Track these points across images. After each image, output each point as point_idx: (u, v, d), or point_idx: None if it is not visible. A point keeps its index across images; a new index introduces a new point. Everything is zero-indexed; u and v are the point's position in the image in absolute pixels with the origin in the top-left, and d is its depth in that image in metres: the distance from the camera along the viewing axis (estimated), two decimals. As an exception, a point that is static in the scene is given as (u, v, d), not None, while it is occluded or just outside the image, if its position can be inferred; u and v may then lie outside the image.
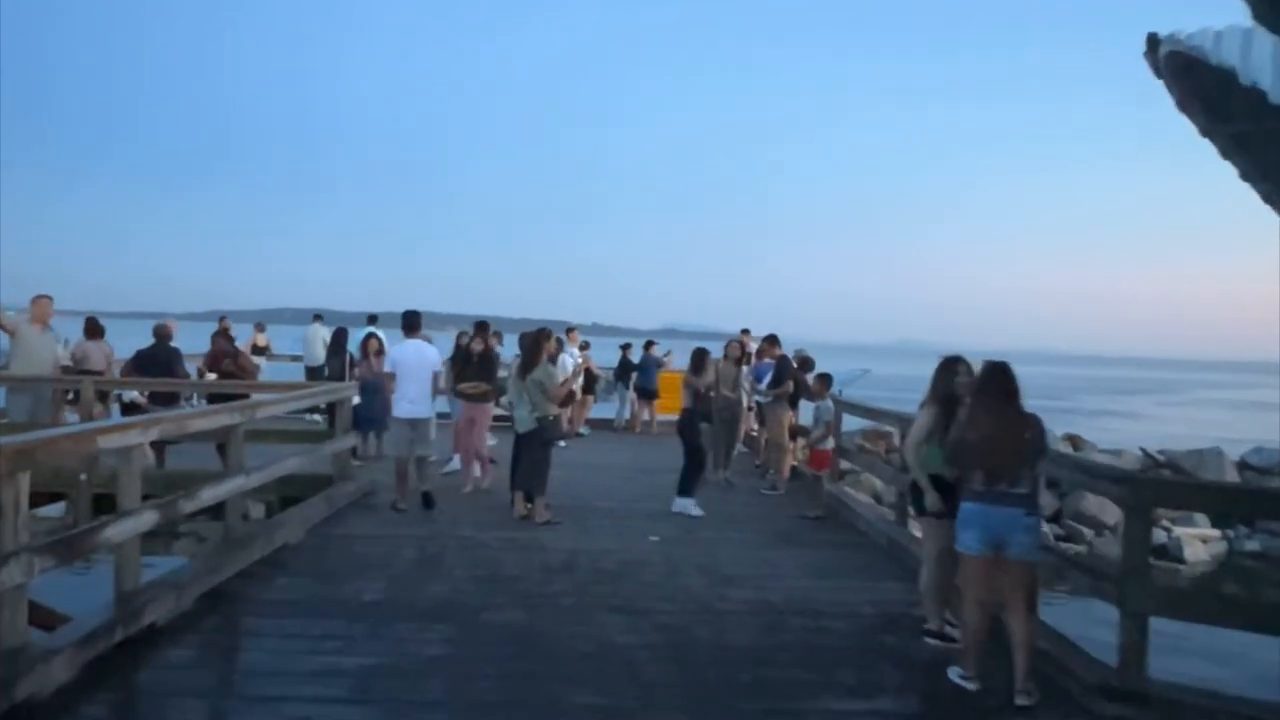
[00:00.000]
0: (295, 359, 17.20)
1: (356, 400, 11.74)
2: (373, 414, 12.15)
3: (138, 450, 5.66)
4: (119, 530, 5.28)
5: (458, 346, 11.66)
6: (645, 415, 17.09)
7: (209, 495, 6.41)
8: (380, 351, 12.37)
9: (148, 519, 5.53)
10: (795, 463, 11.20)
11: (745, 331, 17.60)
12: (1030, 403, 5.02)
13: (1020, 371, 5.05)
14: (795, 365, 11.40)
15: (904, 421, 8.85)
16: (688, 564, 7.36)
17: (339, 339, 12.50)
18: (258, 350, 17.36)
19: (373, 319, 16.75)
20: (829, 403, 9.51)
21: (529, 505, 8.86)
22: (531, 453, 8.92)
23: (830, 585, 6.92)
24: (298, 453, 8.56)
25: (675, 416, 18.19)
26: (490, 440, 12.29)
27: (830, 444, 9.67)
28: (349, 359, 11.99)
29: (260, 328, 17.85)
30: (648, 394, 16.95)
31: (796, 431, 11.33)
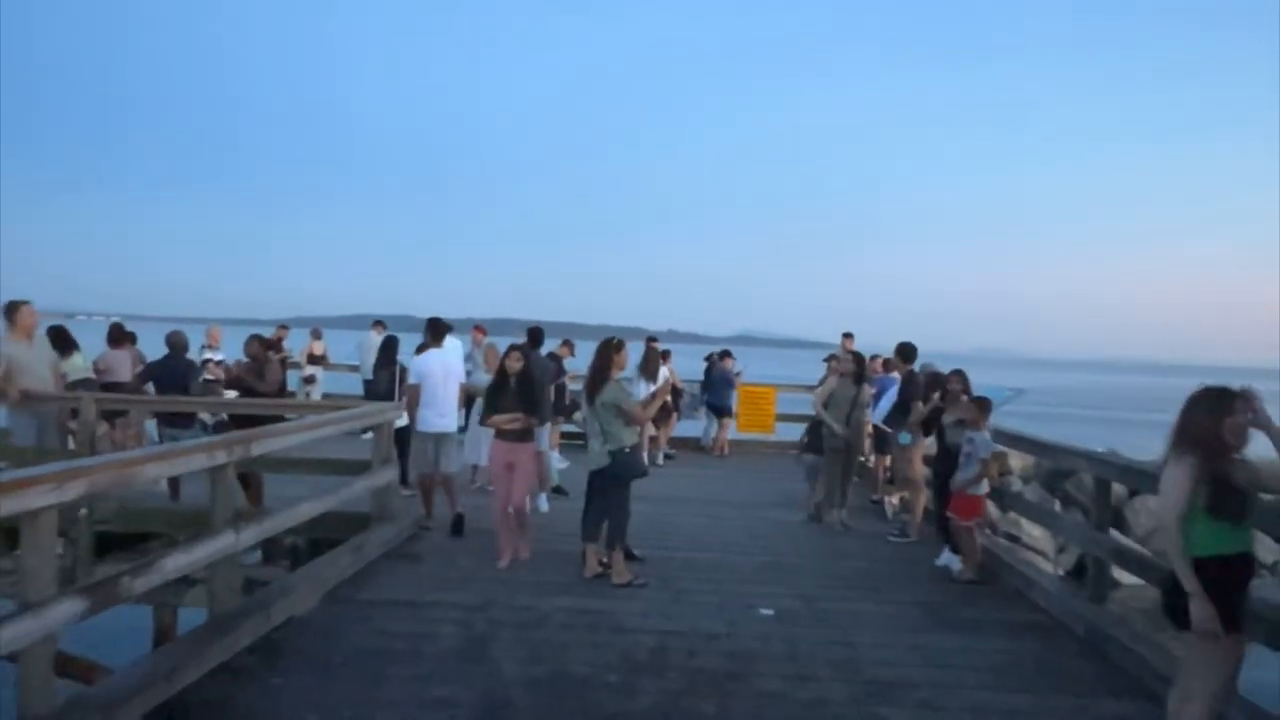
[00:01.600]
0: (352, 369, 15.71)
1: (404, 421, 10.15)
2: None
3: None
4: (20, 631, 3.64)
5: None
6: (713, 433, 15.21)
7: (175, 565, 4.74)
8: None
9: (65, 610, 3.88)
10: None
11: (848, 336, 15.56)
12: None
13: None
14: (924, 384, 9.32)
15: (1099, 464, 6.78)
16: (818, 656, 5.43)
17: (389, 348, 10.88)
18: (314, 360, 15.95)
19: (379, 323, 15.21)
20: (987, 434, 7.44)
21: (604, 562, 7.04)
22: (606, 495, 7.09)
23: (1029, 703, 4.89)
24: (318, 492, 6.89)
25: (759, 435, 16.51)
26: (559, 462, 10.63)
27: (985, 487, 7.61)
28: (399, 371, 10.36)
29: (317, 334, 16.44)
30: (720, 411, 15.03)
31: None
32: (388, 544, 7.58)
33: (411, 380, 8.75)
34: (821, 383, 14.60)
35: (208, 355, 13.22)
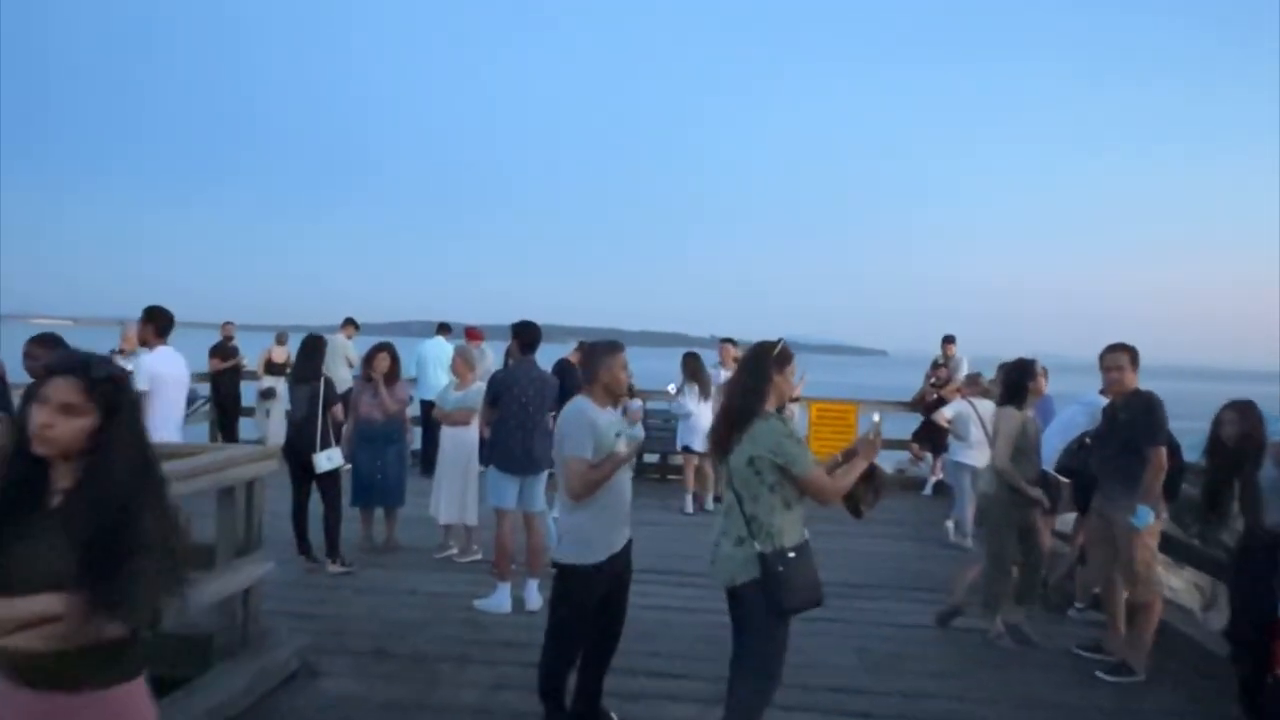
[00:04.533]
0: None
1: (343, 464, 6.99)
2: (386, 478, 7.41)
3: None
4: None
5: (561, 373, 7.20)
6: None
7: None
8: (394, 373, 7.55)
9: None
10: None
11: (949, 340, 12.14)
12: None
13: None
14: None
15: None
16: None
17: (308, 353, 7.53)
18: (273, 369, 12.81)
19: (444, 328, 11.96)
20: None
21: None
22: (746, 637, 3.67)
23: None
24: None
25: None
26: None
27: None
28: (323, 386, 7.12)
29: (281, 339, 13.32)
30: None
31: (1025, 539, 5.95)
32: (245, 696, 4.31)
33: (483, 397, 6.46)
34: (936, 401, 11.27)
35: (120, 363, 10.13)
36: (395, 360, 7.55)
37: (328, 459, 6.83)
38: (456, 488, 7.22)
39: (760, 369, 3.67)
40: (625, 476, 4.17)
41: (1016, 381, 5.97)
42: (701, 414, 9.66)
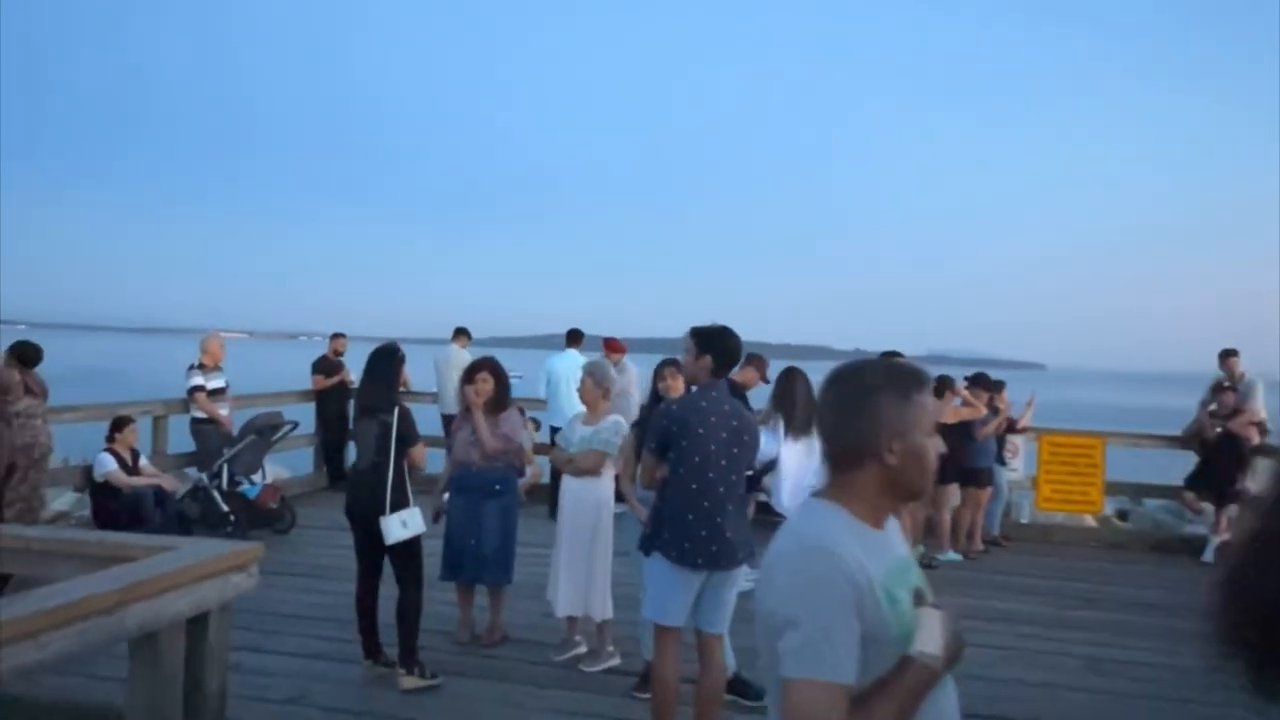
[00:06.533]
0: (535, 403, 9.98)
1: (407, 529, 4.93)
2: (483, 545, 5.39)
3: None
4: None
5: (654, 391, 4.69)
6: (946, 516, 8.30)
7: None
8: (501, 399, 5.47)
9: None
10: None
11: (1231, 354, 9.31)
12: None
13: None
14: None
15: None
16: None
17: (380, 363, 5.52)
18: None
19: (575, 337, 9.88)
20: None
21: None
22: None
23: None
24: None
25: (1068, 516, 9.71)
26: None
27: None
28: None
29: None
30: (970, 476, 8.35)
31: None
32: None
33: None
34: (1223, 436, 8.49)
35: (198, 380, 8.56)
36: (502, 383, 5.46)
37: (402, 524, 4.77)
38: (579, 566, 5.07)
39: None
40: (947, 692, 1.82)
41: None
42: (793, 459, 6.11)
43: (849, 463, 1.64)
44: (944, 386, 7.88)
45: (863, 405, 1.61)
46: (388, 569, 4.94)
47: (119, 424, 7.75)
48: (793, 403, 6.19)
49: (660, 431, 3.92)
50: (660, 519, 3.90)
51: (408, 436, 4.85)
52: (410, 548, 4.84)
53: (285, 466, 12.39)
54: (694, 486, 3.83)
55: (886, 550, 1.64)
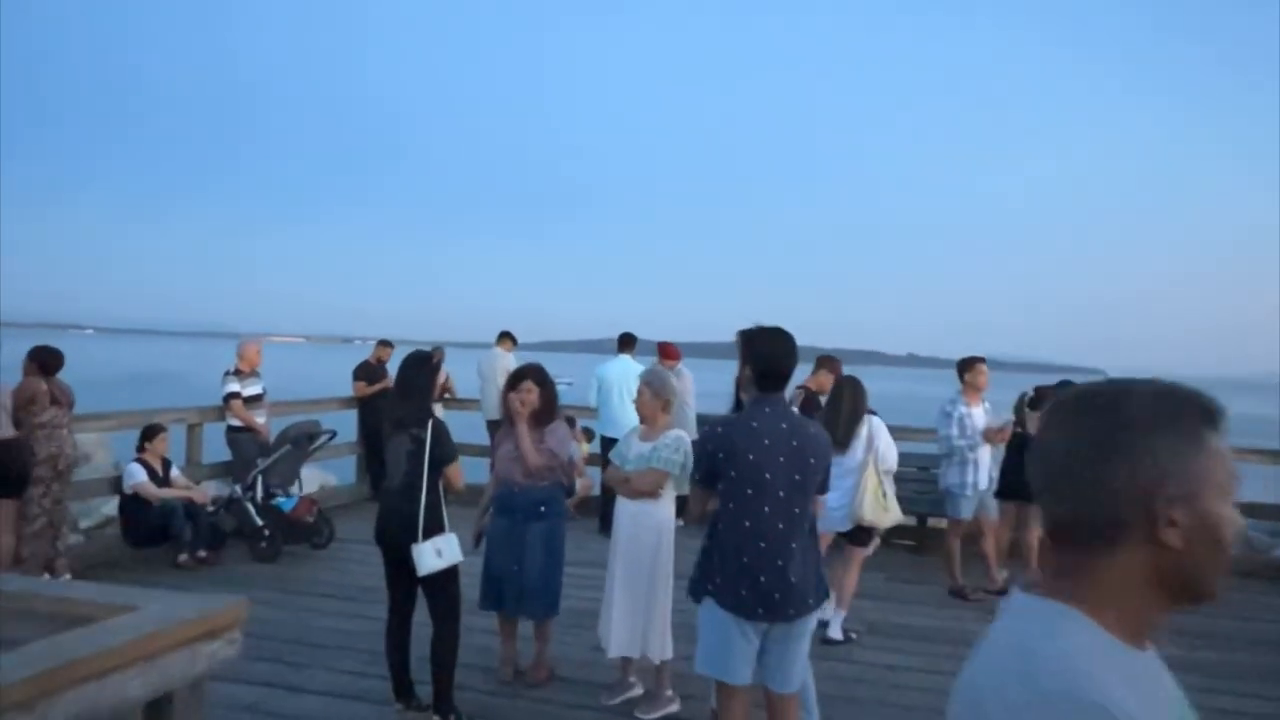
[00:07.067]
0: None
1: (442, 558, 4.40)
2: (525, 572, 4.85)
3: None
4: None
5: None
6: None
7: None
8: (548, 410, 4.91)
9: None
10: None
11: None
12: None
13: None
14: None
15: None
16: None
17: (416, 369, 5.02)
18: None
19: (628, 342, 9.33)
20: None
21: None
22: None
23: None
24: None
25: None
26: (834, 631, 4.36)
27: None
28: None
29: (435, 358, 10.91)
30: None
31: None
32: None
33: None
34: None
35: (233, 386, 8.16)
36: (549, 392, 4.90)
37: (436, 553, 4.23)
38: (636, 601, 4.48)
39: None
40: None
41: None
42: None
43: (1098, 540, 1.03)
44: (1041, 397, 7.16)
45: (1125, 450, 1.01)
46: (422, 598, 4.42)
47: (149, 433, 7.37)
48: (837, 412, 5.71)
49: (705, 458, 3.34)
50: (711, 561, 3.30)
51: (442, 455, 4.31)
52: (446, 579, 4.30)
53: (331, 472, 12.02)
54: (747, 523, 3.22)
55: (1158, 687, 1.03)
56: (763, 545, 3.20)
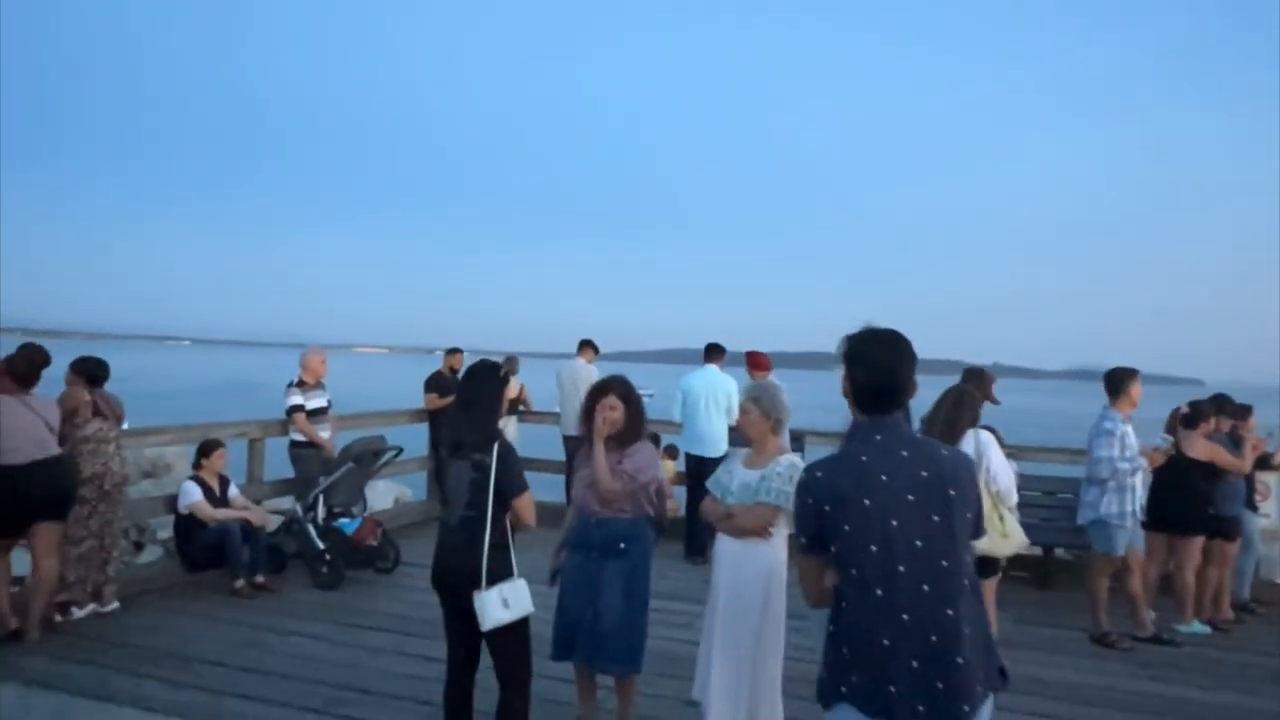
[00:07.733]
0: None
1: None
2: (601, 618, 4.11)
3: None
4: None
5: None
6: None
7: None
8: (634, 430, 4.20)
9: None
10: None
11: None
12: None
13: None
14: None
15: None
16: None
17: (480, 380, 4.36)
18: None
19: (716, 352, 8.63)
20: None
21: None
22: None
23: None
24: None
25: None
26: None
27: None
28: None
29: (509, 368, 10.44)
30: (1218, 527, 6.56)
31: None
32: None
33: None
34: None
35: (296, 399, 7.67)
36: (635, 409, 4.19)
37: (503, 603, 3.54)
38: (740, 661, 3.73)
39: None
40: None
41: None
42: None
43: None
44: (1199, 415, 6.18)
45: None
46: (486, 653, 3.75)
47: (205, 449, 6.92)
48: (932, 423, 4.94)
49: (808, 516, 2.48)
50: (840, 653, 2.46)
51: (509, 486, 3.63)
52: (513, 634, 3.61)
53: (405, 485, 11.57)
54: (879, 592, 2.38)
55: None
56: (906, 619, 2.37)
